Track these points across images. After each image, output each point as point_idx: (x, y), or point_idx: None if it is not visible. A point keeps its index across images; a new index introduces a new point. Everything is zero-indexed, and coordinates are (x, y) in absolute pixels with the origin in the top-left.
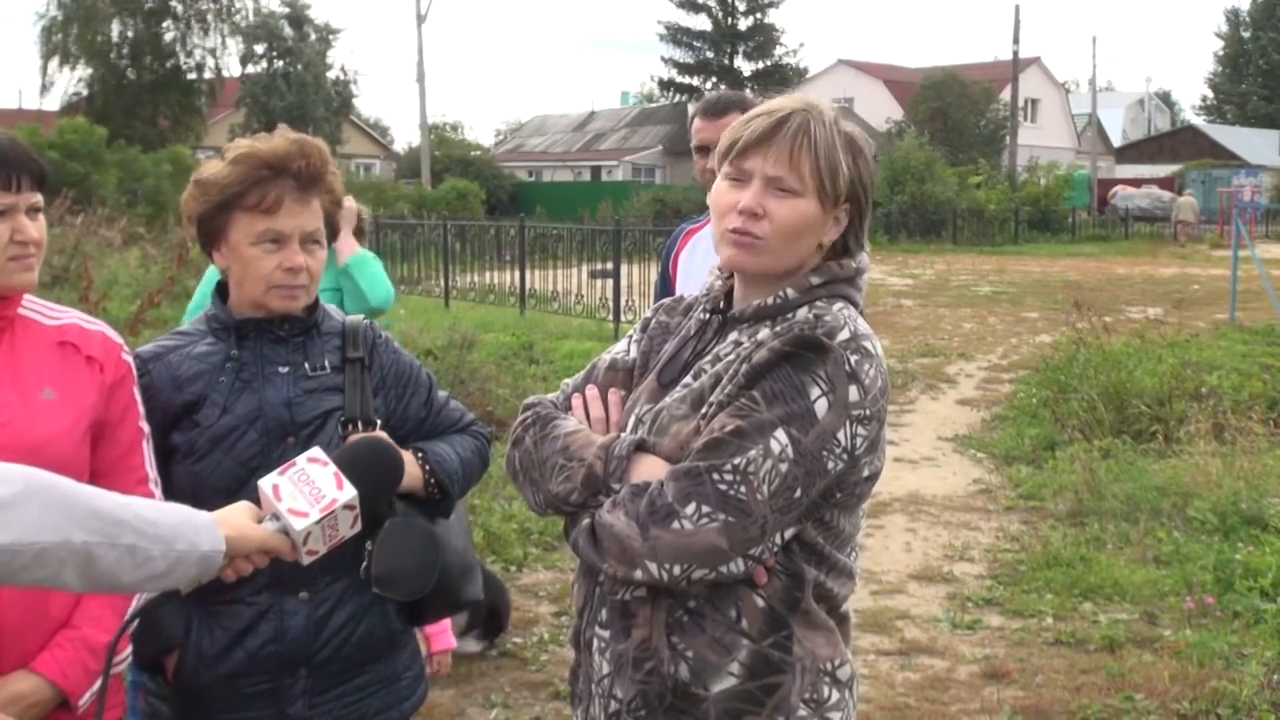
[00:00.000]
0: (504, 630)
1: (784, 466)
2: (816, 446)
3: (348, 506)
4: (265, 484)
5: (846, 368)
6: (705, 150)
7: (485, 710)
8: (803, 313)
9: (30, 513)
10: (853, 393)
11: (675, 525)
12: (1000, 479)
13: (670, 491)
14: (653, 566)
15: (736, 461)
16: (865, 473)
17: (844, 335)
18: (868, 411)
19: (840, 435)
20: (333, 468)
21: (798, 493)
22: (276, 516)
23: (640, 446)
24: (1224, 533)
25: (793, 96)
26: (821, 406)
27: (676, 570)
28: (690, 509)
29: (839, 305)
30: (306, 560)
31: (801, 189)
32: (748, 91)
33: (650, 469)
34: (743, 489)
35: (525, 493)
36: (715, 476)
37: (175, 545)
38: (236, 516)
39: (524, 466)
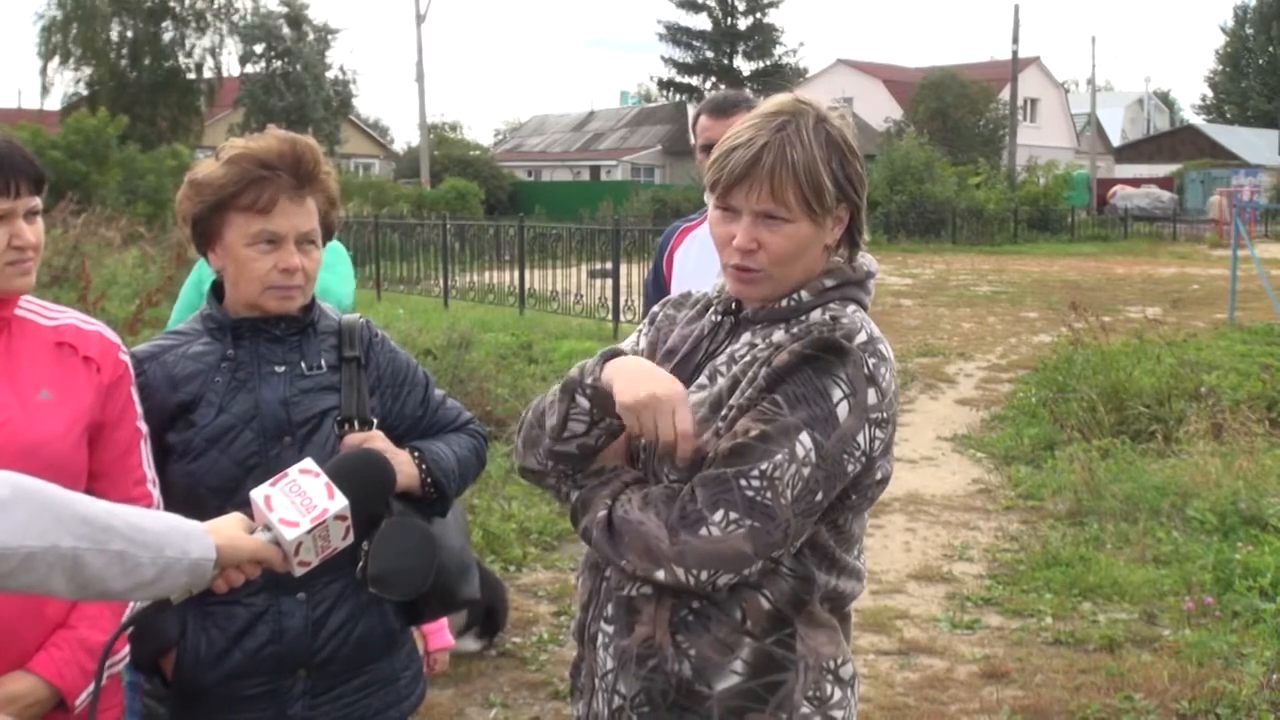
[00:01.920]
0: (502, 629)
1: (806, 470)
2: (838, 449)
3: (339, 517)
4: (257, 495)
5: (865, 371)
6: (709, 150)
7: (484, 710)
8: (817, 314)
9: (17, 517)
10: (871, 396)
11: (704, 532)
12: (999, 479)
13: (700, 498)
14: (679, 571)
15: (764, 467)
16: (878, 475)
17: (862, 338)
18: (884, 415)
19: (859, 438)
20: (324, 478)
21: (819, 496)
22: (268, 527)
23: (613, 355)
24: (1223, 532)
25: (772, 108)
26: (843, 410)
27: (704, 575)
28: (719, 515)
29: (852, 308)
30: (299, 571)
31: (791, 215)
32: (748, 91)
33: (623, 362)
34: (769, 494)
35: (527, 459)
36: (743, 483)
37: (164, 552)
38: (228, 526)
39: (524, 432)
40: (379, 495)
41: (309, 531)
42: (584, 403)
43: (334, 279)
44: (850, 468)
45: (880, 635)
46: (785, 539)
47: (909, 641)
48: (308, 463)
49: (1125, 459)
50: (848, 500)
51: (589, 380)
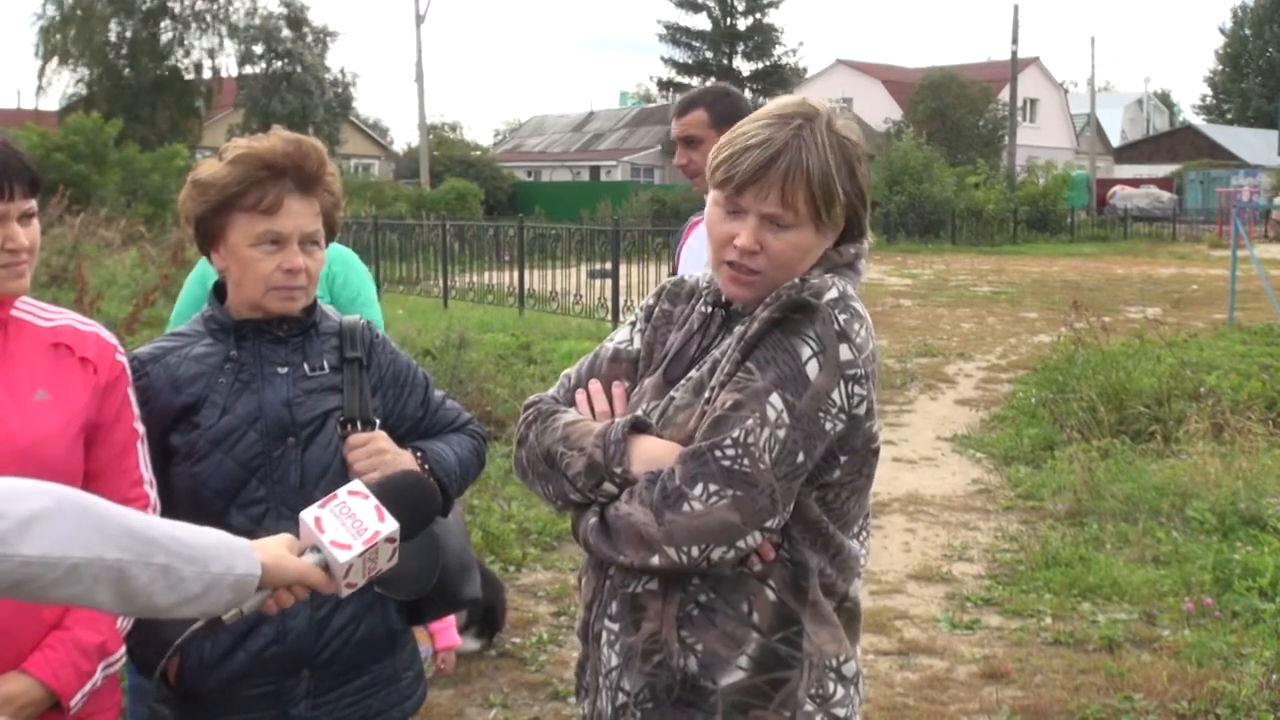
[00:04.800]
0: (501, 629)
1: (781, 432)
2: (812, 408)
3: (389, 539)
4: (307, 516)
5: (835, 326)
6: (679, 142)
7: (484, 710)
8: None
9: (62, 527)
10: (844, 351)
11: (686, 507)
12: (999, 479)
13: (678, 475)
14: (671, 551)
15: (735, 434)
16: (873, 445)
17: (832, 294)
18: (863, 371)
19: (835, 395)
20: (373, 500)
21: (800, 457)
22: (316, 549)
23: (636, 426)
24: (1222, 533)
25: (785, 109)
26: (813, 367)
27: (695, 551)
28: (698, 489)
29: (829, 275)
30: (345, 593)
31: (797, 222)
32: (747, 93)
33: (649, 449)
34: (745, 461)
35: (536, 489)
36: (717, 454)
37: (209, 567)
38: (275, 546)
39: (530, 463)
40: (426, 515)
41: (360, 554)
42: (611, 489)
43: (368, 301)
44: (829, 426)
45: (880, 635)
46: (773, 505)
47: (908, 642)
48: (356, 484)
49: (1125, 459)
50: (836, 460)
51: (618, 470)
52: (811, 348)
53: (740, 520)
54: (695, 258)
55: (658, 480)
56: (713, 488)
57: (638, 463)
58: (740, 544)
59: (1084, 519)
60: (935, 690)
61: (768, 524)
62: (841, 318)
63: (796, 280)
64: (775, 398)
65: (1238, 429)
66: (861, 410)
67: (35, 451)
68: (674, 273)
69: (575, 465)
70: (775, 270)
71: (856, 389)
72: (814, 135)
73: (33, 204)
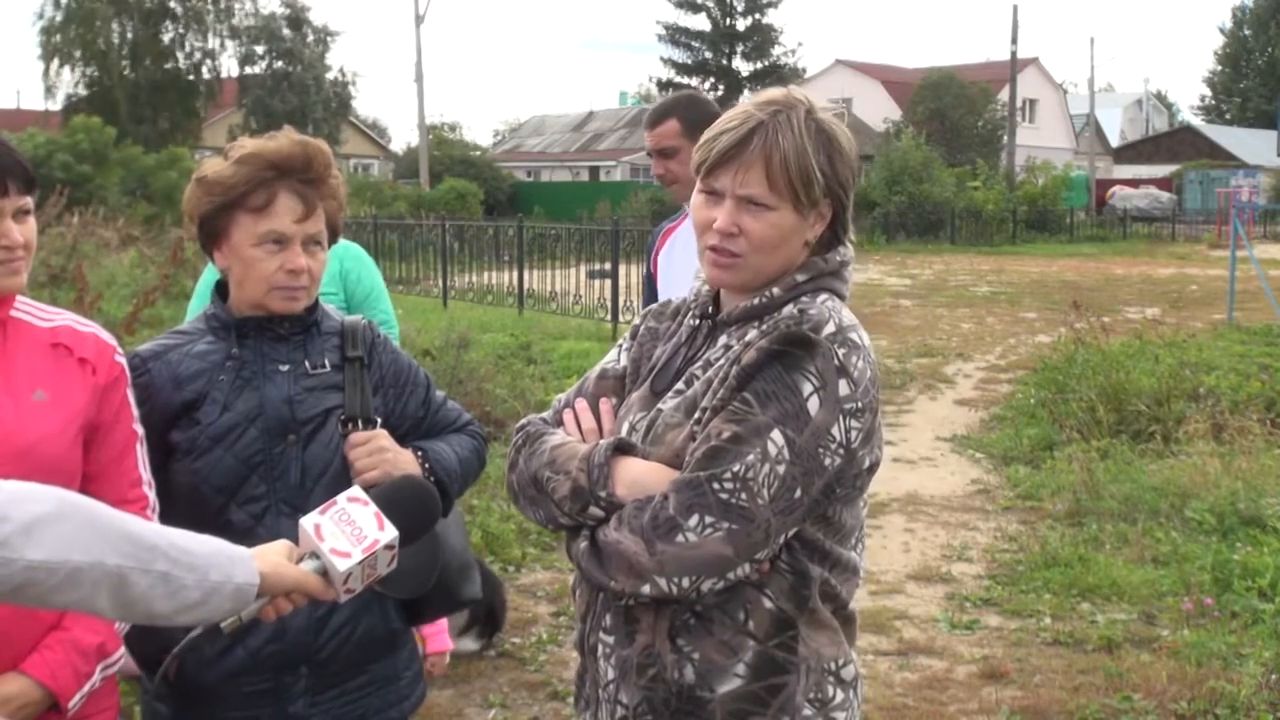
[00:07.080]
0: (501, 629)
1: (781, 468)
2: (812, 444)
3: (388, 547)
4: (307, 523)
5: (835, 362)
6: (655, 154)
7: (483, 710)
8: (788, 309)
9: (63, 531)
10: (843, 387)
11: (680, 538)
12: (998, 479)
13: (672, 504)
14: (661, 581)
15: (735, 468)
16: (865, 464)
17: (830, 329)
18: (859, 404)
19: (834, 431)
20: (373, 507)
21: (798, 493)
22: (315, 555)
23: (620, 449)
24: (1222, 533)
25: (766, 97)
26: (814, 404)
27: (685, 583)
28: (693, 520)
29: (823, 297)
30: (344, 599)
31: (775, 203)
32: (745, 93)
33: (633, 471)
34: (743, 495)
35: (528, 512)
36: (715, 486)
37: (209, 575)
38: (273, 553)
39: (521, 487)
40: (426, 523)
41: (360, 562)
42: (597, 513)
43: (381, 296)
44: (828, 461)
45: (879, 635)
46: (767, 539)
47: (908, 642)
48: (356, 490)
49: (1124, 459)
50: (833, 493)
51: (602, 494)
52: (812, 384)
53: (733, 553)
54: (673, 267)
55: (648, 507)
56: (708, 519)
57: (621, 485)
58: (730, 575)
59: (1083, 519)
60: (935, 690)
61: (758, 556)
62: (840, 352)
63: (795, 311)
64: (776, 434)
65: (1237, 429)
66: (858, 442)
67: (34, 452)
68: (650, 276)
69: (561, 489)
70: (755, 254)
71: (854, 423)
72: (789, 119)
73: (28, 201)
